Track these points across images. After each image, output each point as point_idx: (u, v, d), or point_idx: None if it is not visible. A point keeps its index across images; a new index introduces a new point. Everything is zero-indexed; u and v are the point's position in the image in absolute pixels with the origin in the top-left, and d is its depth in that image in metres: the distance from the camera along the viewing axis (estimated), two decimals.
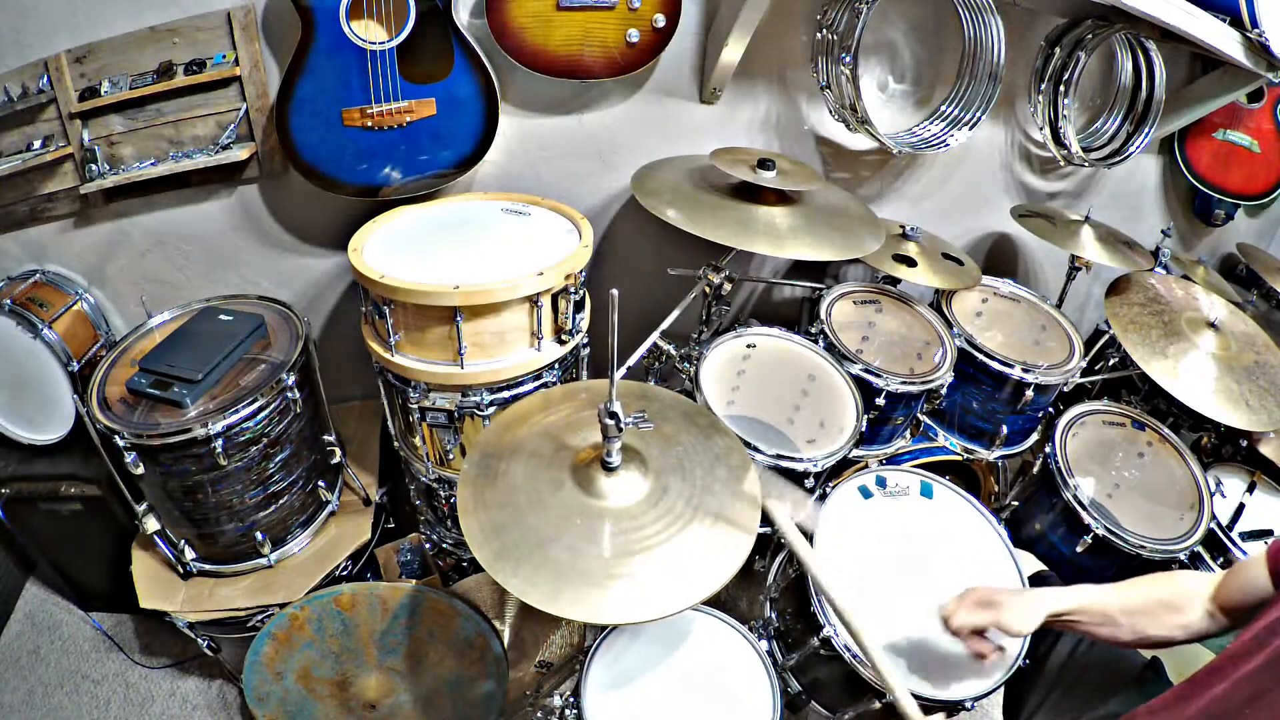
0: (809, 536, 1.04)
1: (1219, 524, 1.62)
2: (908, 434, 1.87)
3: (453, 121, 1.63)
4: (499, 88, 1.64)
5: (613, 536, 1.00)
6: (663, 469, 1.10)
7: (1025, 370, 1.75)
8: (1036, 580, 1.45)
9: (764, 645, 1.34)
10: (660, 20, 1.60)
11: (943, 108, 1.94)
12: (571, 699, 1.30)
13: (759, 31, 1.63)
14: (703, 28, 1.75)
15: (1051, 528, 1.64)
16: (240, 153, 1.63)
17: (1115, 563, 1.55)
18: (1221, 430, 1.93)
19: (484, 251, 1.56)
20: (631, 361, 1.63)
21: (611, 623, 1.27)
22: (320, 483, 1.73)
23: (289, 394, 1.51)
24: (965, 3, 1.77)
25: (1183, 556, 1.52)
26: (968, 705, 1.21)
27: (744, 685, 1.28)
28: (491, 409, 1.53)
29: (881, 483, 1.51)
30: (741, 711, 1.24)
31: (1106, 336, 1.97)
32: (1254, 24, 1.63)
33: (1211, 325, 1.71)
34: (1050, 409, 1.93)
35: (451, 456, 1.64)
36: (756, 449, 1.44)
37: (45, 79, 1.54)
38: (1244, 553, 1.60)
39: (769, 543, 1.68)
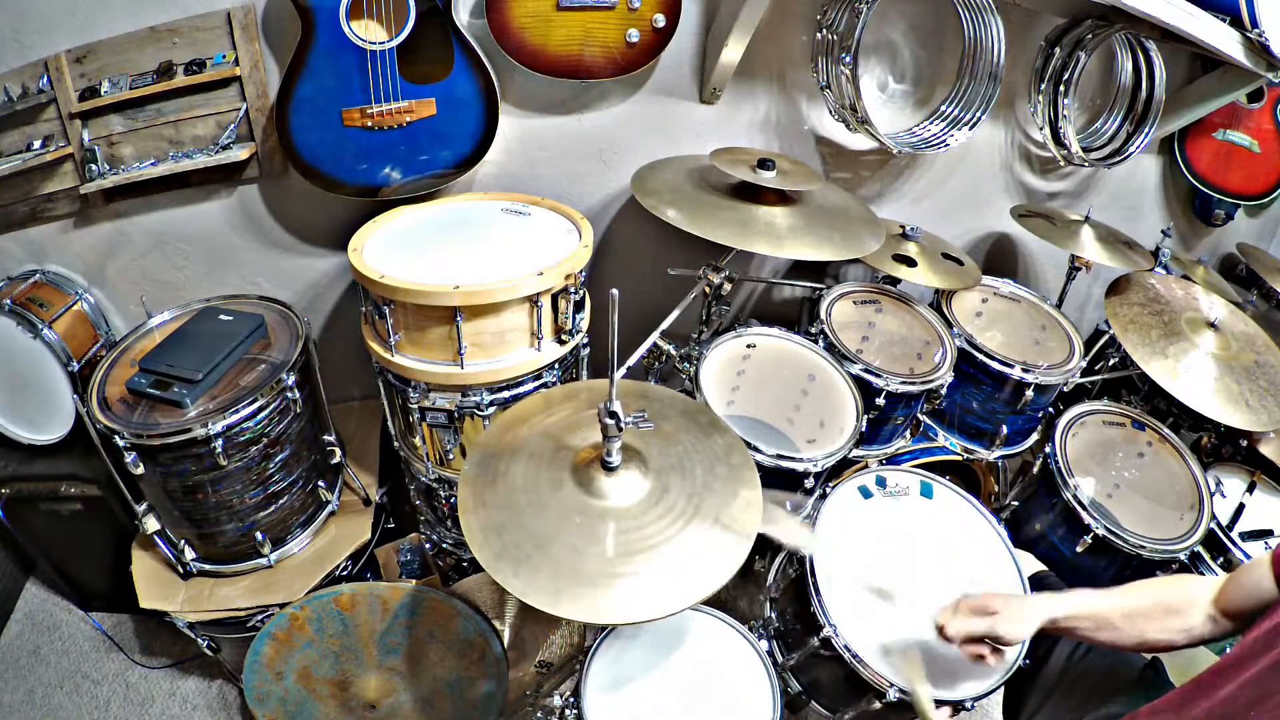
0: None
1: (1219, 524, 1.62)
2: (908, 434, 1.87)
3: (453, 121, 1.63)
4: (499, 88, 1.64)
5: (613, 536, 1.00)
6: (663, 468, 1.10)
7: (1025, 370, 1.75)
8: (1036, 580, 1.45)
9: (764, 645, 1.34)
10: (660, 20, 1.60)
11: (943, 108, 1.94)
12: (571, 699, 1.30)
13: (759, 31, 1.64)
14: (703, 28, 1.76)
15: (1051, 528, 1.64)
16: (240, 153, 1.63)
17: (1115, 563, 1.55)
18: (1221, 430, 1.93)
19: (484, 251, 1.56)
20: (631, 361, 1.63)
21: (611, 623, 1.27)
22: (320, 483, 1.73)
23: (289, 394, 1.51)
24: (965, 3, 1.77)
25: (1183, 556, 1.52)
26: (968, 705, 1.21)
27: (744, 685, 1.28)
28: (491, 409, 1.53)
29: (881, 483, 1.51)
30: (741, 711, 1.24)
31: (1106, 336, 1.97)
32: (1254, 24, 1.63)
33: (1211, 325, 1.71)
34: (1050, 409, 1.93)
35: (451, 456, 1.64)
36: (757, 449, 1.44)
37: (45, 79, 1.54)
38: (1244, 553, 1.60)
39: (769, 543, 1.67)
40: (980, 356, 1.78)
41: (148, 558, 1.68)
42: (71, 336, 1.72)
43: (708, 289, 1.74)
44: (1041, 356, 1.90)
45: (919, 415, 1.89)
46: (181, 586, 1.63)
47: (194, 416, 1.40)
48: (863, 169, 2.09)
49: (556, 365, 1.57)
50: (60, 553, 1.93)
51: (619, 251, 2.05)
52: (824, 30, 1.74)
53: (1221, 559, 1.62)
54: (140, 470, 1.42)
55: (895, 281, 2.00)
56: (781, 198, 1.59)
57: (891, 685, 1.20)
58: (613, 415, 1.00)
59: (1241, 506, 1.77)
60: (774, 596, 1.50)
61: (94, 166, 1.62)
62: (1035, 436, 1.96)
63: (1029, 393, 1.76)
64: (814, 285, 2.01)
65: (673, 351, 1.79)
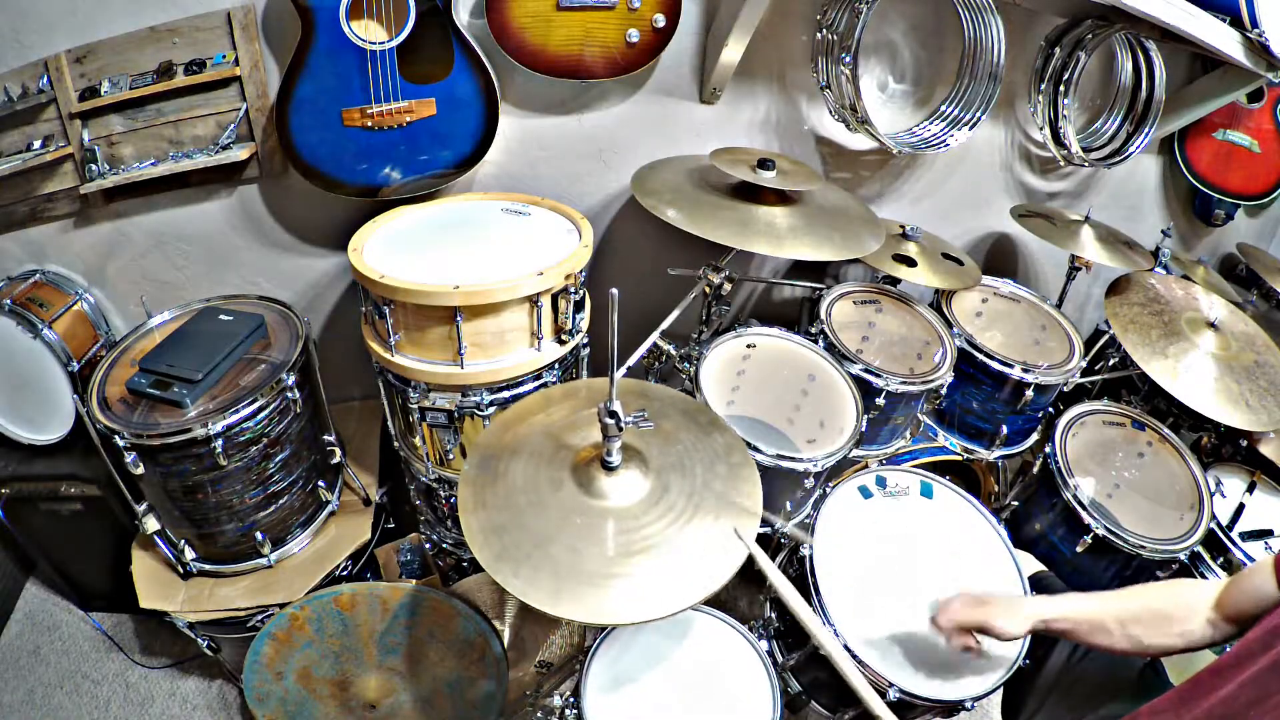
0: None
1: (1219, 524, 1.62)
2: (908, 434, 1.87)
3: (453, 121, 1.63)
4: (499, 88, 1.64)
5: (613, 536, 1.00)
6: (663, 468, 1.10)
7: (1025, 370, 1.75)
8: (1036, 581, 1.45)
9: (764, 645, 1.34)
10: (660, 20, 1.60)
11: (943, 108, 1.94)
12: (571, 699, 1.30)
13: (759, 31, 1.64)
14: (703, 28, 1.75)
15: (1051, 528, 1.64)
16: (240, 153, 1.63)
17: (1115, 563, 1.56)
18: (1221, 430, 1.93)
19: (484, 251, 1.56)
20: (631, 361, 1.63)
21: (611, 623, 1.27)
22: (320, 483, 1.73)
23: (289, 394, 1.51)
24: (965, 3, 1.77)
25: (1183, 556, 1.52)
26: (968, 705, 1.21)
27: (744, 685, 1.28)
28: (491, 409, 1.53)
29: (881, 483, 1.51)
30: (741, 711, 1.24)
31: (1106, 336, 1.97)
32: (1254, 24, 1.63)
33: (1211, 325, 1.71)
34: (1050, 409, 1.93)
35: (451, 456, 1.64)
36: (757, 449, 1.44)
37: (45, 79, 1.54)
38: (1244, 552, 1.60)
39: (769, 543, 1.67)
40: (980, 356, 1.78)
41: (148, 558, 1.68)
42: (71, 336, 1.72)
43: (708, 289, 1.74)
44: (1041, 356, 1.90)
45: (919, 415, 1.89)
46: (181, 586, 1.63)
47: (194, 416, 1.40)
48: (863, 169, 2.09)
49: (556, 365, 1.57)
50: (60, 553, 1.93)
51: (619, 251, 2.05)
52: (824, 30, 1.74)
53: (1221, 559, 1.61)
54: (140, 470, 1.42)
55: (895, 281, 2.00)
56: (781, 198, 1.59)
57: (891, 685, 1.20)
58: (613, 415, 1.00)
59: (1241, 506, 1.76)
60: (774, 596, 1.50)
61: (94, 166, 1.62)
62: (1035, 436, 1.96)
63: (1029, 393, 1.76)
64: (814, 285, 2.01)
65: (673, 351, 1.79)
